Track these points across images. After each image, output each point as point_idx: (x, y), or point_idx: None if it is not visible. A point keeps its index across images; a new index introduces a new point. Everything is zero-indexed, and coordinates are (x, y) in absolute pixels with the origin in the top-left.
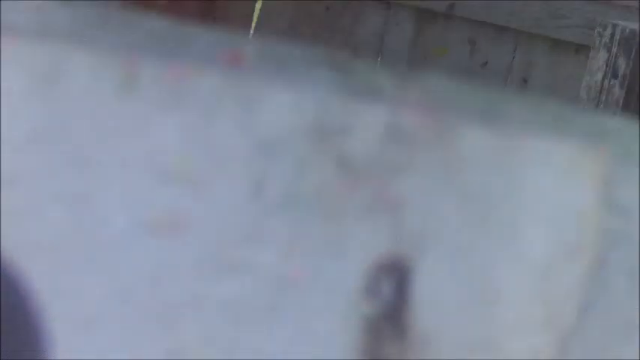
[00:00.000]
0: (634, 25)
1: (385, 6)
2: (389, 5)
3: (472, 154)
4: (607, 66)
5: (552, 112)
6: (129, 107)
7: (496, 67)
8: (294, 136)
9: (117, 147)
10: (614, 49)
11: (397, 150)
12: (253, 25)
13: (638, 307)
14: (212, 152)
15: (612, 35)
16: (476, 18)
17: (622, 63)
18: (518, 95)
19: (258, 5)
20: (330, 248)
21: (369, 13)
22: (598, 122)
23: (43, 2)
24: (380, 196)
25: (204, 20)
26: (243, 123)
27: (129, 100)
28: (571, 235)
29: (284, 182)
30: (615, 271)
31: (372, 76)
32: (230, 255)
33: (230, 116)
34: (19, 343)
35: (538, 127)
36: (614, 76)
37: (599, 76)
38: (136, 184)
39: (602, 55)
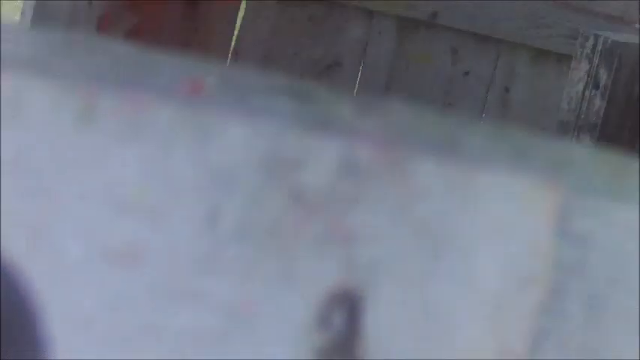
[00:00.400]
0: (616, 36)
1: (368, 15)
2: (371, 14)
3: (427, 186)
4: (588, 76)
5: (511, 141)
6: (87, 139)
7: (478, 76)
8: (249, 168)
9: (76, 178)
10: (596, 60)
11: (352, 183)
12: (236, 32)
13: (593, 336)
14: (169, 184)
15: (594, 46)
16: (459, 27)
17: (603, 74)
18: (478, 124)
19: (242, 5)
20: (282, 279)
21: (351, 22)
22: (557, 151)
23: (6, 27)
24: (333, 228)
25: (186, 24)
26: (199, 154)
27: (87, 131)
28: (526, 266)
29: (239, 213)
30: (571, 302)
31: (332, 105)
32: (185, 285)
33: (187, 147)
34: (19, 342)
35: (496, 157)
36: (595, 86)
37: (581, 86)
38: (95, 215)
39: (584, 66)
